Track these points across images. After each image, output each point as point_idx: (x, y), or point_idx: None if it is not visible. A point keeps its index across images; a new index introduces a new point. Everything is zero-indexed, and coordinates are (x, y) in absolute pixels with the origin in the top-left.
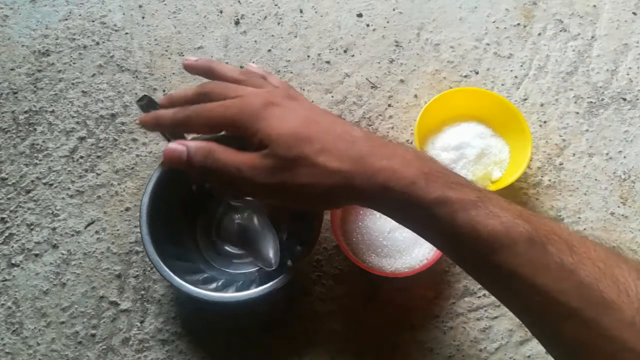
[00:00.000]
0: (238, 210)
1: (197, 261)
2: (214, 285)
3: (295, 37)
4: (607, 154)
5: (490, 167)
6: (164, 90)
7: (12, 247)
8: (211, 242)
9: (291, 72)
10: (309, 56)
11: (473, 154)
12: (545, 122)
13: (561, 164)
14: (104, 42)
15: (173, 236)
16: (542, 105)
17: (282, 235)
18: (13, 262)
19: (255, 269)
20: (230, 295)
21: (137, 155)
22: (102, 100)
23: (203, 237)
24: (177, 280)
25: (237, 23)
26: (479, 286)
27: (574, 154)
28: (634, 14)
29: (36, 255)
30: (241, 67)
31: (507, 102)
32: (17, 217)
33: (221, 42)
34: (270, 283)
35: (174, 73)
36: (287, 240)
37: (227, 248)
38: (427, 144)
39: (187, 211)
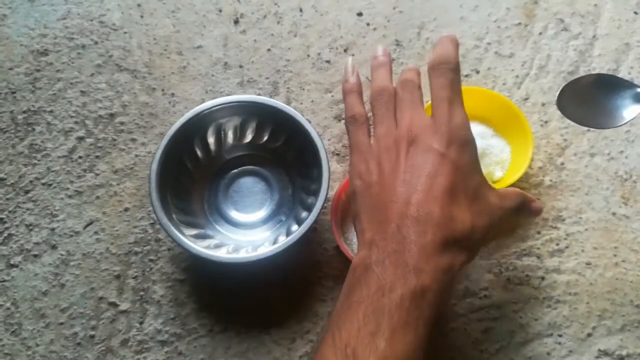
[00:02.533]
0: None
1: (206, 227)
2: (224, 249)
3: (295, 36)
4: (608, 153)
5: (492, 167)
6: (162, 90)
7: (11, 247)
8: (218, 209)
9: (291, 72)
10: (308, 55)
11: None
12: (546, 121)
13: (562, 163)
14: (102, 42)
15: (182, 204)
16: (543, 104)
17: (292, 189)
18: (12, 262)
19: (263, 235)
20: (243, 256)
21: (136, 155)
22: (101, 100)
23: (211, 204)
24: (188, 243)
25: (236, 22)
26: (480, 287)
27: (575, 154)
28: (636, 13)
29: (35, 255)
30: (240, 66)
31: (509, 101)
32: (15, 217)
33: (220, 41)
34: (284, 241)
35: (173, 72)
36: (295, 193)
37: (233, 215)
38: None
39: (194, 178)
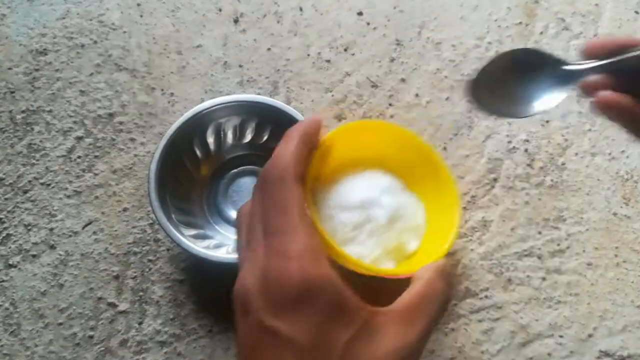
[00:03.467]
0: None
1: (205, 228)
2: (223, 249)
3: (295, 35)
4: (609, 153)
5: (405, 234)
6: (162, 90)
7: (10, 247)
8: (218, 209)
9: (291, 71)
10: (308, 55)
11: (384, 217)
12: (547, 121)
13: (563, 163)
14: (101, 41)
15: (181, 204)
16: None
17: None
18: (10, 263)
19: None
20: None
21: (135, 155)
22: (100, 100)
23: (210, 204)
24: (187, 243)
25: (236, 21)
26: (481, 287)
27: (576, 154)
28: (636, 12)
29: (34, 256)
30: (240, 66)
31: (420, 141)
32: (14, 217)
33: (220, 40)
34: None
35: (172, 72)
36: None
37: (232, 215)
38: (318, 200)
39: (193, 178)
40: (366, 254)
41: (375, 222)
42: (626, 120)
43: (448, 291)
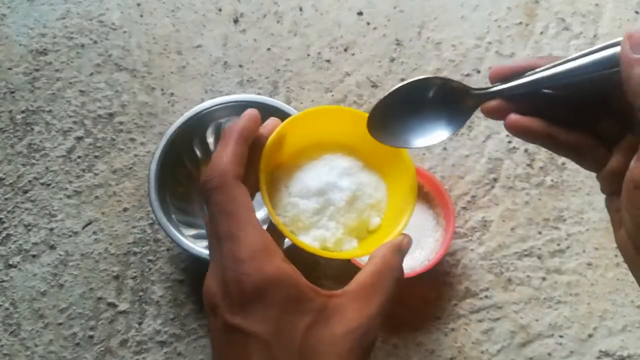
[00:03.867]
0: None
1: (205, 227)
2: None
3: (295, 35)
4: None
5: (366, 212)
6: (162, 90)
7: (10, 248)
8: None
9: (291, 71)
10: (309, 55)
11: (342, 199)
12: None
13: (564, 163)
14: (101, 41)
15: (181, 204)
16: None
17: None
18: (10, 263)
19: None
20: None
21: (135, 155)
22: (100, 100)
23: None
24: (187, 243)
25: (236, 21)
26: (481, 287)
27: None
28: (636, 12)
29: (33, 256)
30: (240, 66)
31: None
32: (14, 217)
33: (220, 40)
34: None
35: (172, 72)
36: None
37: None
38: (278, 189)
39: (193, 178)
40: (328, 237)
41: (335, 205)
42: (544, 142)
43: (401, 266)
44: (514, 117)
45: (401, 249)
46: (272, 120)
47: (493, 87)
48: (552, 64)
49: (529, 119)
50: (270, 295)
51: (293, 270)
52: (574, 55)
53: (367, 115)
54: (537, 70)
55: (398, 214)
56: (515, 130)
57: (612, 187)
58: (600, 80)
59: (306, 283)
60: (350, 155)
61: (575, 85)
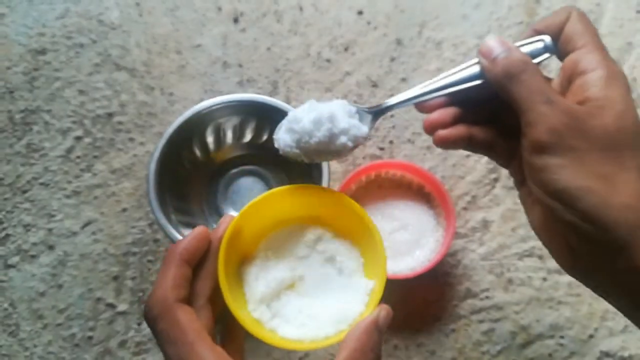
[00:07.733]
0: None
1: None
2: None
3: (295, 34)
4: None
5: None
6: (161, 89)
7: (9, 248)
8: (217, 209)
9: (291, 71)
10: (309, 54)
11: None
12: None
13: None
14: (101, 40)
15: (180, 204)
16: None
17: None
18: (9, 263)
19: None
20: None
21: (135, 155)
22: (99, 99)
23: (210, 204)
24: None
25: (236, 21)
26: (482, 288)
27: None
28: (638, 12)
29: (32, 256)
30: (240, 65)
31: (339, 194)
32: (13, 217)
33: (220, 40)
34: None
35: (171, 72)
36: None
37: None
38: (250, 282)
39: (193, 178)
40: (304, 331)
41: (306, 290)
42: (466, 145)
43: (380, 344)
44: (441, 132)
45: (378, 325)
46: (225, 218)
47: (385, 103)
48: (442, 76)
49: (452, 128)
50: None
51: None
52: (458, 68)
53: (329, 190)
54: (428, 82)
55: (375, 287)
56: (442, 143)
57: (521, 175)
58: (481, 86)
59: None
60: (319, 226)
61: (465, 91)
